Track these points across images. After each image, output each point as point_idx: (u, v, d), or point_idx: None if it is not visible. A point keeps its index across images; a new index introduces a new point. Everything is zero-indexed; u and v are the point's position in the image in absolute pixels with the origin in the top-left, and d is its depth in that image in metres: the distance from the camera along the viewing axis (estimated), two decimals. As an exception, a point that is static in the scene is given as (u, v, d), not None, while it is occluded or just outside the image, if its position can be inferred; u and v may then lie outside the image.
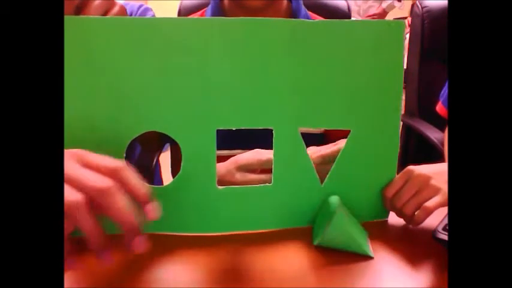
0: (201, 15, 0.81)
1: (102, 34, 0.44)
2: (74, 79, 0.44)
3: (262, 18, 0.45)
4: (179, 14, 1.00)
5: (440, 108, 0.99)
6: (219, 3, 0.78)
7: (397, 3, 2.68)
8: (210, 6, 0.79)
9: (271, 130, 0.48)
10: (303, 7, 0.79)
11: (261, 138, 0.59)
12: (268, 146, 0.50)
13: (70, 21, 0.42)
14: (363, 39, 0.47)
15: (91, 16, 0.45)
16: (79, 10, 0.47)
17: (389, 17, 3.27)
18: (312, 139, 0.75)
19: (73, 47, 0.43)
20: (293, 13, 0.77)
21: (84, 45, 0.44)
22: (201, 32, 0.45)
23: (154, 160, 0.92)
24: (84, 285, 0.39)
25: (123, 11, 0.50)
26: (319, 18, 0.81)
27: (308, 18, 0.79)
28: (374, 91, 0.48)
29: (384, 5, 2.64)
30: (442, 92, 1.01)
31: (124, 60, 0.45)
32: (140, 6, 0.92)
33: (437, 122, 1.07)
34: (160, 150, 0.95)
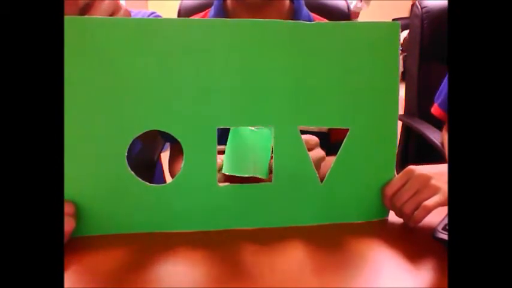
0: (204, 15, 0.81)
1: (104, 34, 0.44)
2: (76, 78, 0.44)
3: (262, 20, 0.46)
4: (179, 14, 1.00)
5: (436, 109, 0.99)
6: (222, 3, 0.78)
7: (359, 4, 2.75)
8: (213, 6, 0.79)
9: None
10: (304, 7, 0.79)
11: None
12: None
13: (72, 22, 0.43)
14: (359, 40, 0.48)
15: (93, 16, 0.46)
16: (84, 12, 0.47)
17: (390, 16, 3.28)
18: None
19: (75, 47, 0.44)
20: (294, 13, 0.78)
21: (86, 45, 0.44)
22: (202, 33, 0.46)
23: (155, 157, 0.92)
24: (84, 285, 0.39)
25: (127, 14, 0.51)
26: (319, 18, 0.81)
27: (309, 18, 0.79)
28: (371, 90, 0.50)
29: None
30: (437, 95, 1.01)
31: (126, 59, 0.45)
32: (152, 13, 0.92)
33: (437, 122, 1.08)
34: (161, 147, 0.95)
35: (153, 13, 0.91)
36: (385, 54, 0.49)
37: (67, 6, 0.44)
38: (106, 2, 0.47)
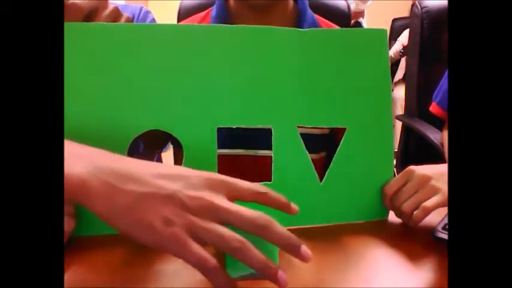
0: (206, 15, 0.80)
1: (104, 38, 0.45)
2: (76, 80, 0.45)
3: (260, 26, 0.48)
4: (179, 14, 1.00)
5: (434, 107, 1.00)
6: (224, 3, 0.77)
7: (361, 5, 2.78)
8: (215, 5, 0.78)
9: (270, 130, 0.49)
10: (308, 9, 0.79)
11: (260, 138, 0.58)
12: (266, 145, 0.50)
13: (73, 28, 0.44)
14: (351, 45, 0.51)
15: (93, 23, 0.47)
16: (88, 19, 0.48)
17: (390, 16, 3.28)
18: (318, 140, 0.75)
19: (76, 52, 0.44)
20: (299, 14, 0.77)
21: (87, 49, 0.45)
22: (202, 37, 0.47)
23: (155, 157, 0.93)
24: (84, 285, 0.39)
25: (129, 21, 0.53)
26: (322, 19, 0.81)
27: (313, 19, 0.78)
28: (365, 92, 0.51)
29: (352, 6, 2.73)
30: (435, 93, 1.02)
31: (126, 62, 0.46)
32: (141, 9, 0.93)
33: (437, 122, 1.08)
34: (162, 148, 0.96)
35: (141, 9, 0.93)
36: (375, 58, 0.52)
37: (72, 14, 0.46)
38: (109, 8, 0.49)
